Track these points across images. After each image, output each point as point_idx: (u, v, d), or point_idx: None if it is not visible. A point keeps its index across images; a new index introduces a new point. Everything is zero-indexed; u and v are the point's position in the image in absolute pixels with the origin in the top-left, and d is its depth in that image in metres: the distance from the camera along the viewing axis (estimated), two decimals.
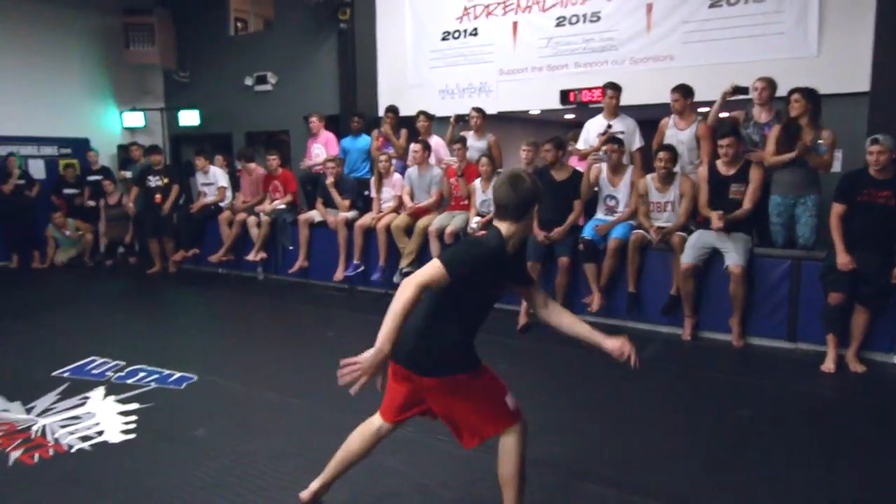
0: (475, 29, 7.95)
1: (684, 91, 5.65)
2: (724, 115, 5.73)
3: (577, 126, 6.75)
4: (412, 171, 6.98)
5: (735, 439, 3.57)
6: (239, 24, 10.63)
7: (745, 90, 5.52)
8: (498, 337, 5.46)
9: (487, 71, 7.92)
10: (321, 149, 7.96)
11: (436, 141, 7.23)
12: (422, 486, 3.00)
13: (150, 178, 8.43)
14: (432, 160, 6.98)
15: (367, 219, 7.06)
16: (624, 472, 3.20)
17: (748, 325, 5.15)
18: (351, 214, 7.25)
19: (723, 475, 3.18)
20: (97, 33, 10.23)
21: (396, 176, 7.08)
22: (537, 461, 3.18)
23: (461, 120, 7.33)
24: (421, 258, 6.67)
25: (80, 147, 9.99)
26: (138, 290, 7.86)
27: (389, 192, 7.07)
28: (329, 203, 7.40)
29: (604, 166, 5.73)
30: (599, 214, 5.76)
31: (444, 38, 8.14)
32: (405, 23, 8.33)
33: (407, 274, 6.68)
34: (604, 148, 5.77)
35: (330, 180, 7.31)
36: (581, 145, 6.21)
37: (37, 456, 3.32)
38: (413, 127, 7.33)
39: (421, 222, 6.59)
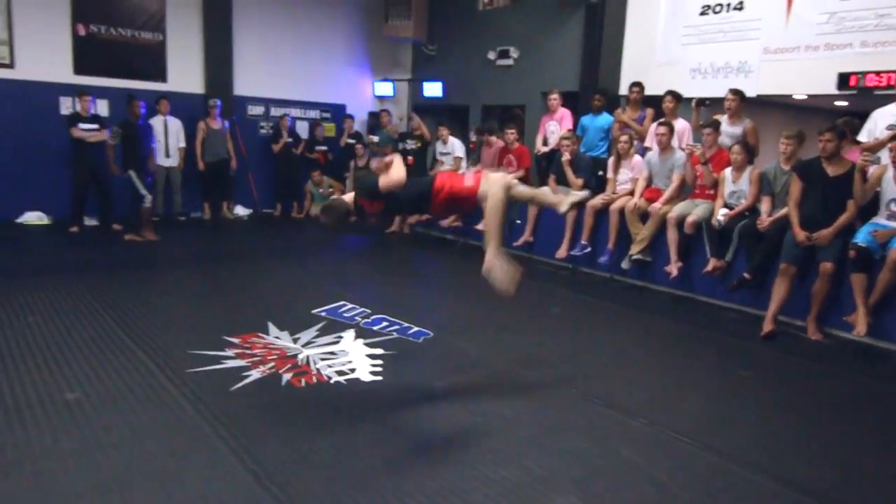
0: (741, 2, 7.27)
1: None
2: None
3: (849, 115, 5.91)
4: (653, 154, 6.65)
5: None
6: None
7: None
8: (739, 341, 5.07)
9: (750, 49, 7.21)
10: (556, 126, 7.92)
11: (681, 124, 6.80)
12: (659, 482, 2.88)
13: (408, 141, 9.07)
14: (675, 144, 6.59)
15: (599, 199, 6.90)
16: None
17: None
18: (582, 195, 7.12)
19: None
20: (361, 8, 11.17)
21: (637, 158, 6.81)
22: (793, 484, 2.90)
23: (703, 104, 6.81)
24: (654, 246, 6.39)
25: (338, 112, 11.09)
26: (379, 246, 8.56)
27: (627, 175, 6.83)
28: (562, 180, 7.35)
29: (890, 166, 4.94)
30: (880, 219, 5.00)
31: (702, 13, 7.57)
32: None
33: (637, 261, 6.49)
34: (889, 144, 4.97)
35: (565, 157, 7.25)
36: (864, 137, 5.42)
37: (303, 381, 3.78)
38: (658, 107, 6.96)
39: (658, 208, 6.28)
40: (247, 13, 10.01)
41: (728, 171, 5.93)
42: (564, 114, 7.86)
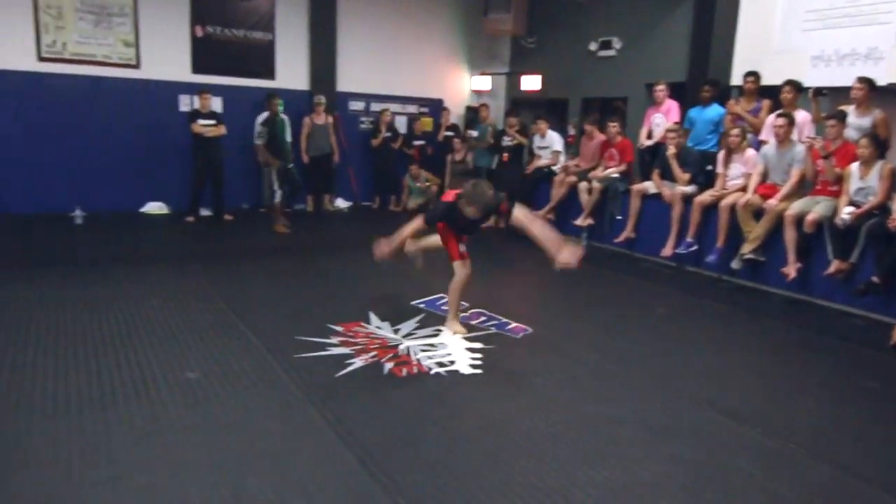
0: None
1: None
2: None
3: None
4: (769, 147, 6.27)
5: None
6: None
7: None
8: (865, 349, 4.70)
9: (881, 34, 6.63)
10: (662, 118, 7.63)
11: (802, 116, 6.36)
12: (773, 494, 2.71)
13: (504, 138, 9.03)
14: (794, 137, 6.18)
15: (707, 195, 6.59)
16: None
17: None
18: (690, 189, 6.84)
19: None
20: (460, 3, 11.20)
21: (750, 152, 6.44)
22: None
23: (820, 93, 6.34)
24: (768, 245, 6.03)
25: (436, 106, 11.18)
26: (474, 240, 8.50)
27: (739, 169, 6.48)
28: (666, 175, 7.08)
29: None
30: None
31: None
32: None
33: (748, 261, 6.15)
34: None
35: (671, 151, 6.97)
36: None
37: (405, 371, 3.84)
38: (776, 98, 6.54)
39: (775, 205, 5.91)
40: (350, 11, 10.27)
41: (855, 167, 5.50)
42: (671, 105, 7.55)
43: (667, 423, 3.31)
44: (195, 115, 8.54)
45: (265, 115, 8.60)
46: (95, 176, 8.82)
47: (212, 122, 8.54)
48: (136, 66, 8.99)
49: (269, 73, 9.89)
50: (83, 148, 8.75)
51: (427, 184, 10.28)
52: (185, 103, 9.23)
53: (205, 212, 8.82)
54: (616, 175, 7.69)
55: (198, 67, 9.39)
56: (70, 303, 4.76)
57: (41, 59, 8.45)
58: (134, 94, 8.82)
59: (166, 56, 9.13)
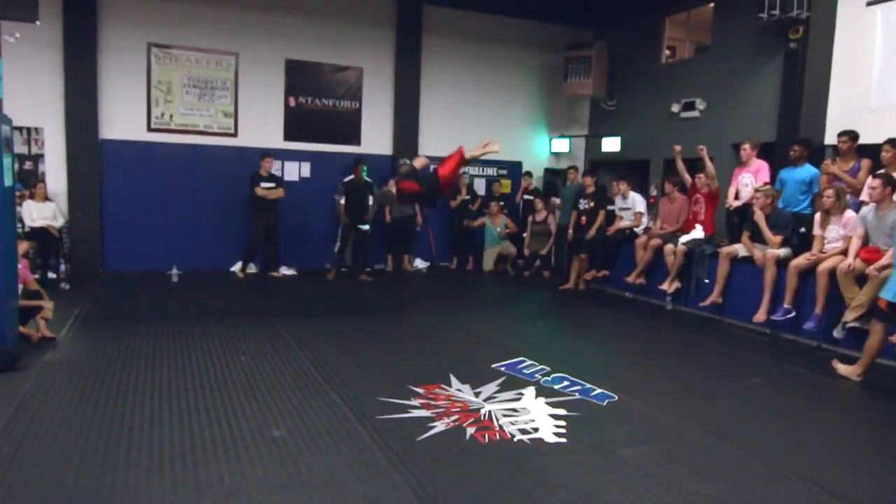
0: None
1: None
2: None
3: None
4: (868, 209, 5.93)
5: None
6: (668, 52, 10.65)
7: None
8: None
9: None
10: (750, 178, 7.39)
11: None
12: None
13: (581, 201, 9.00)
14: None
15: (804, 258, 6.26)
16: None
17: None
18: (783, 252, 6.54)
19: None
20: (541, 69, 11.44)
21: (849, 213, 6.11)
22: None
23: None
24: (872, 312, 5.62)
25: (515, 168, 11.31)
26: (553, 302, 8.45)
27: (837, 231, 6.14)
28: (756, 237, 6.80)
29: None
30: None
31: None
32: (874, 36, 7.16)
33: (852, 329, 5.73)
34: None
35: (758, 213, 6.72)
36: None
37: (487, 436, 3.75)
38: (876, 157, 6.23)
39: (879, 270, 5.53)
40: (433, 79, 10.68)
41: None
42: (761, 166, 7.31)
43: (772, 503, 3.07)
44: (257, 178, 8.94)
45: (351, 177, 8.99)
46: (191, 236, 9.38)
47: (272, 184, 8.94)
48: (234, 135, 9.62)
49: (356, 140, 10.34)
50: (181, 210, 9.36)
51: (506, 230, 10.27)
52: (276, 168, 9.75)
53: (251, 269, 9.25)
54: (701, 237, 7.47)
55: (289, 135, 9.95)
56: (166, 358, 4.99)
57: (150, 129, 9.20)
58: (230, 160, 9.40)
59: (261, 124, 9.74)
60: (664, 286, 7.62)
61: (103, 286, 8.15)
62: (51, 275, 8.24)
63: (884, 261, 5.53)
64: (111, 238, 9.08)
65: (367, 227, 9.11)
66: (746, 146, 7.42)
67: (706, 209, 7.68)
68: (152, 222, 9.22)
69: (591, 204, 8.86)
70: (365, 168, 9.09)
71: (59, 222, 8.49)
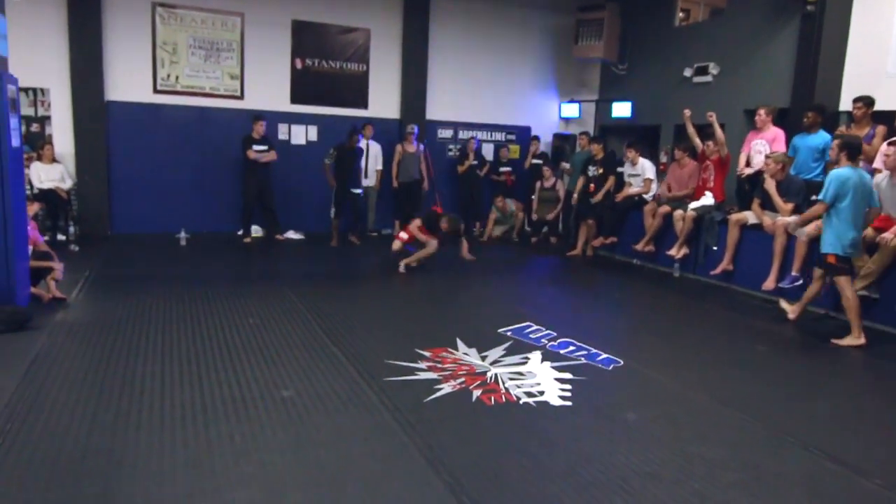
0: None
1: None
2: None
3: None
4: (882, 177, 5.84)
5: None
6: (681, 15, 10.41)
7: None
8: None
9: None
10: (764, 145, 7.27)
11: None
12: None
13: (590, 167, 8.91)
14: None
15: (814, 226, 6.20)
16: None
17: None
18: (793, 219, 6.47)
19: None
20: (551, 31, 11.23)
21: None
22: None
23: None
24: (882, 281, 5.60)
25: (524, 134, 11.20)
26: (561, 268, 8.45)
27: None
28: (767, 204, 6.74)
29: None
30: None
31: None
32: (894, 0, 6.98)
33: (861, 298, 5.71)
34: None
35: (769, 181, 6.64)
36: None
37: (493, 399, 3.79)
38: (892, 123, 6.13)
39: (890, 239, 5.49)
40: (441, 42, 10.50)
41: None
42: (777, 134, 7.17)
43: (776, 470, 3.10)
44: (249, 141, 8.82)
45: (343, 142, 9.00)
46: (199, 199, 9.38)
47: (264, 147, 8.87)
48: (241, 97, 9.53)
49: (363, 103, 10.23)
50: (189, 173, 9.33)
51: (512, 210, 10.27)
52: (283, 132, 9.69)
53: (257, 233, 9.23)
54: (711, 203, 7.41)
55: (296, 97, 9.85)
56: (176, 320, 5.04)
57: (156, 91, 9.12)
58: (237, 123, 9.31)
59: (268, 87, 9.63)
60: (672, 251, 7.60)
61: (112, 248, 8.19)
62: (60, 237, 8.28)
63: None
64: (119, 200, 9.09)
65: (359, 190, 9.21)
66: (762, 112, 7.28)
67: (716, 176, 7.60)
68: (160, 185, 9.21)
69: (600, 171, 8.78)
70: (359, 139, 9.14)
71: (68, 184, 8.49)
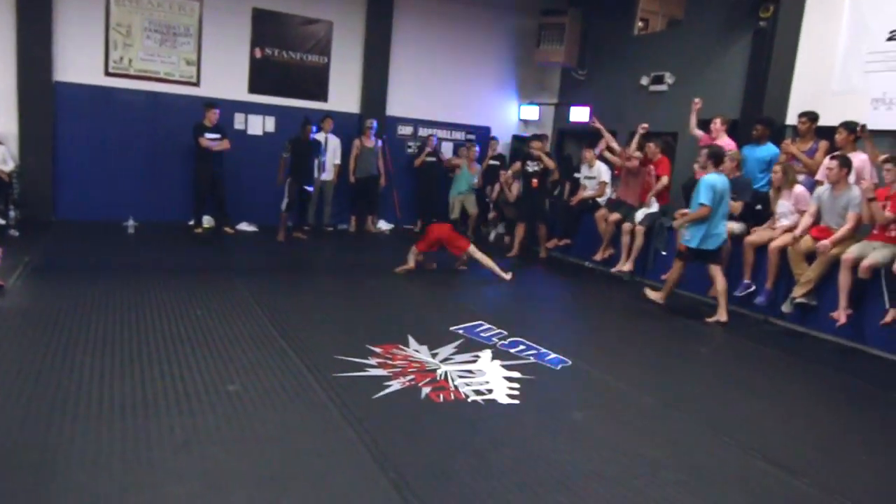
0: None
1: None
2: None
3: None
4: (824, 189, 6.10)
5: None
6: (640, 24, 10.62)
7: None
8: None
9: None
10: None
11: (861, 158, 6.18)
12: None
13: (529, 163, 8.88)
14: (852, 179, 6.00)
15: (757, 235, 6.43)
16: None
17: None
18: (737, 227, 6.68)
19: None
20: (514, 33, 11.31)
21: (799, 188, 6.28)
22: None
23: (852, 129, 6.19)
24: (820, 289, 5.84)
25: (483, 134, 11.25)
26: (515, 269, 8.46)
27: (786, 206, 6.32)
28: None
29: None
30: None
31: (890, 38, 6.86)
32: (841, 20, 7.25)
33: (800, 305, 5.95)
34: None
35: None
36: None
37: (442, 396, 3.80)
38: (834, 139, 6.39)
39: (827, 247, 5.73)
40: (405, 38, 10.47)
41: None
42: (729, 145, 7.38)
43: (712, 469, 3.20)
44: (201, 129, 8.62)
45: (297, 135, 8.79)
46: (149, 187, 9.13)
47: (217, 136, 8.70)
48: (196, 84, 9.31)
49: (323, 95, 10.12)
50: (140, 159, 9.08)
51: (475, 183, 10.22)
52: (240, 121, 9.51)
53: (207, 223, 9.02)
54: (656, 210, 7.57)
55: (254, 87, 9.68)
56: (119, 310, 4.89)
57: (108, 73, 8.84)
58: (191, 110, 9.08)
59: (225, 75, 9.44)
60: (616, 268, 7.69)
61: (55, 235, 7.90)
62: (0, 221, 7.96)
63: (835, 237, 5.72)
64: (64, 185, 8.77)
65: (311, 188, 8.92)
66: (717, 121, 7.48)
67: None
68: (108, 170, 8.92)
69: (541, 166, 8.79)
70: (312, 129, 8.83)
71: (10, 166, 8.16)
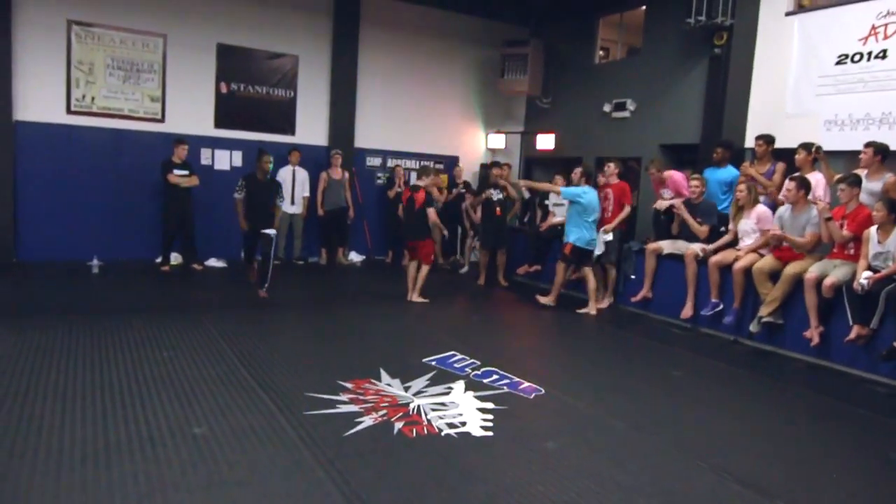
0: (883, 51, 6.80)
1: None
2: None
3: None
4: (784, 210, 6.26)
5: None
6: (601, 53, 10.89)
7: None
8: (889, 419, 4.56)
9: (894, 99, 6.71)
10: (669, 193, 7.61)
11: (816, 178, 6.36)
12: None
13: (493, 191, 8.97)
14: (811, 199, 6.17)
15: (724, 256, 6.55)
16: None
17: None
18: (700, 249, 6.80)
19: None
20: (478, 64, 11.49)
21: (760, 208, 6.45)
22: None
23: (807, 150, 6.39)
24: (786, 307, 5.95)
25: (450, 163, 11.34)
26: (484, 297, 8.49)
27: (749, 224, 6.46)
28: (682, 231, 7.07)
29: None
30: None
31: (839, 62, 7.14)
32: (791, 46, 7.52)
33: (767, 324, 6.05)
34: None
35: (679, 206, 7.02)
36: None
37: (415, 431, 3.76)
38: (791, 160, 6.58)
39: (791, 268, 5.87)
40: (370, 70, 10.56)
41: (873, 231, 5.46)
42: (674, 177, 7.58)
43: (685, 493, 3.20)
44: (170, 165, 8.55)
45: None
46: (114, 226, 8.97)
47: (185, 172, 8.63)
48: (161, 120, 9.24)
49: (290, 129, 10.12)
50: (104, 198, 8.93)
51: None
52: (206, 157, 9.45)
53: (174, 260, 8.87)
54: (611, 239, 7.57)
55: (221, 122, 9.64)
56: (82, 354, 4.76)
57: (70, 111, 8.73)
58: (157, 147, 9.00)
59: (190, 111, 9.38)
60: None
61: (17, 276, 7.71)
62: None
63: (792, 243, 5.85)
64: (26, 225, 8.58)
65: (272, 231, 7.19)
66: (653, 171, 7.64)
67: (614, 206, 7.66)
68: (72, 209, 8.75)
69: (504, 194, 8.87)
70: (271, 161, 7.42)
71: None
